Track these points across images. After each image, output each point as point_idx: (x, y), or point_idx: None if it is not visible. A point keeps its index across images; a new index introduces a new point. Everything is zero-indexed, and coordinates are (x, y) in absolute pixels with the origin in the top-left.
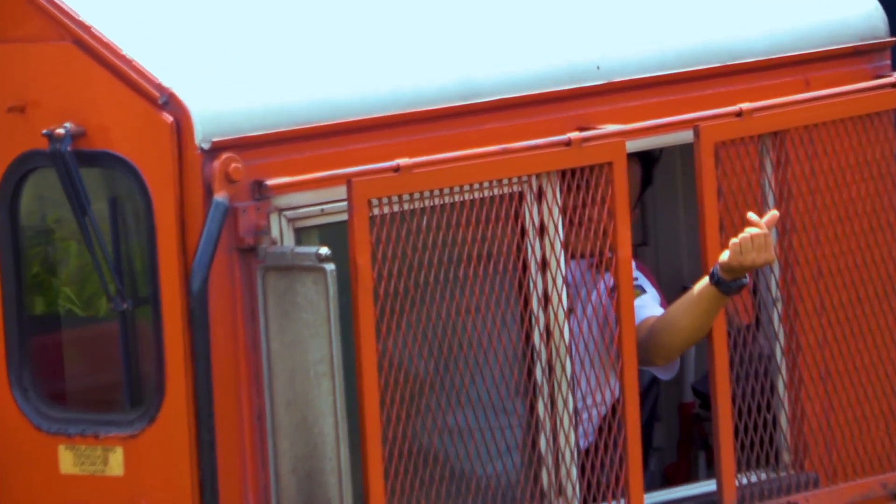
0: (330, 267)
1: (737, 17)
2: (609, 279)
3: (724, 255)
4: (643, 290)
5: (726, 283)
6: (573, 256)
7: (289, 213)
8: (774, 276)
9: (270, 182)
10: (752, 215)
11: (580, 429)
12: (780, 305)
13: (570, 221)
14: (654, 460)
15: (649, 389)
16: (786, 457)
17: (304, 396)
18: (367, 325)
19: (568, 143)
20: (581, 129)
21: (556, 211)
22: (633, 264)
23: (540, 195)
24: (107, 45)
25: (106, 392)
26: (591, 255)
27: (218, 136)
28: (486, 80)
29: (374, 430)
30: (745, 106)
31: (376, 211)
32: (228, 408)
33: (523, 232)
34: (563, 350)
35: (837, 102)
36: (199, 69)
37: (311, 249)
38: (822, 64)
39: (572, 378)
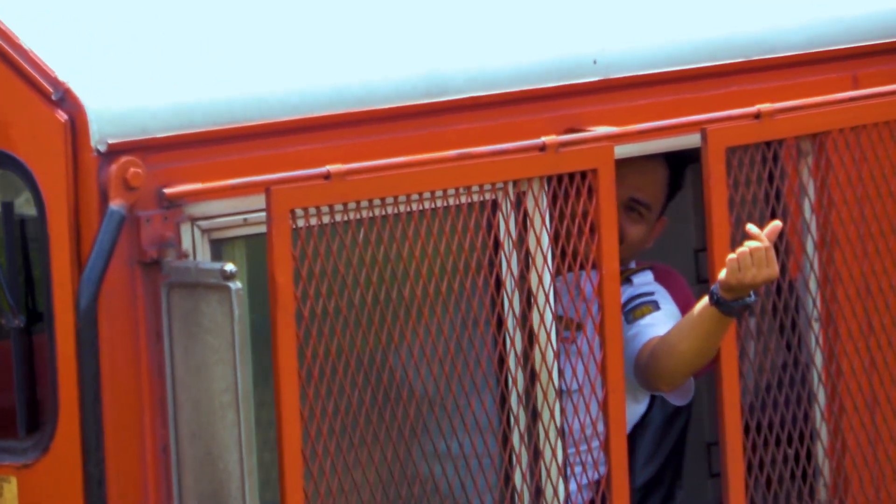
0: (235, 286)
1: (770, 4)
2: (633, 289)
3: (723, 273)
4: (656, 307)
5: (727, 304)
6: (591, 267)
7: (204, 224)
8: (811, 294)
9: (170, 189)
10: (751, 227)
11: (589, 458)
12: (818, 326)
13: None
14: (681, 493)
15: (676, 416)
16: (822, 493)
17: (210, 428)
18: (287, 351)
19: (542, 148)
20: (571, 131)
21: (539, 221)
22: (650, 276)
23: (518, 204)
24: (2, 33)
25: (2, 417)
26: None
27: (117, 136)
28: (457, 76)
29: (294, 466)
30: (764, 107)
31: (302, 223)
32: (129, 438)
33: (497, 245)
34: (550, 388)
35: (883, 103)
36: (102, 63)
37: (216, 265)
38: (874, 59)
39: (577, 402)
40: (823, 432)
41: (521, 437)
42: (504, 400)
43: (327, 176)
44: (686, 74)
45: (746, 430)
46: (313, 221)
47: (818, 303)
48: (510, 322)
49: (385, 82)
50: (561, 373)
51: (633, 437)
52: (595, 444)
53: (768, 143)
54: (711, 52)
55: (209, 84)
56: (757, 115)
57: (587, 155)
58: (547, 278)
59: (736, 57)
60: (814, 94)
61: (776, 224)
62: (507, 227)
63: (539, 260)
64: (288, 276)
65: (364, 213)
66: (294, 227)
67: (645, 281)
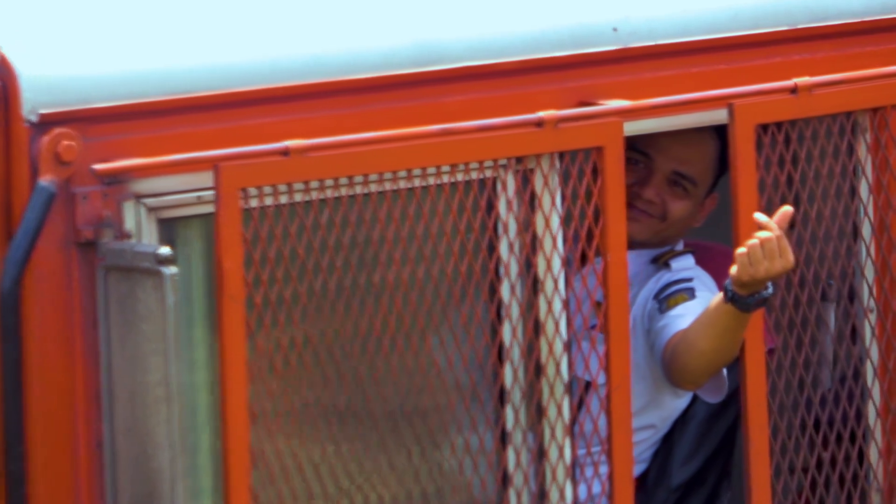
0: (170, 271)
1: None
2: (671, 274)
3: (734, 269)
4: (691, 296)
5: (742, 300)
6: (630, 245)
7: (151, 202)
8: (867, 281)
9: (101, 165)
10: (759, 216)
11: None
12: (873, 316)
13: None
14: (729, 495)
15: (722, 412)
16: (875, 499)
17: (145, 424)
18: (235, 342)
19: (539, 124)
20: (583, 105)
21: (547, 202)
22: (691, 260)
23: (516, 183)
24: None
25: None
26: (657, 245)
27: (52, 106)
28: (453, 44)
29: (240, 468)
30: (802, 80)
31: (256, 202)
32: (61, 433)
33: (483, 229)
34: (558, 385)
35: None
36: (39, 27)
37: (151, 248)
38: None
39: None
40: (878, 432)
41: (524, 435)
42: (503, 396)
43: (286, 152)
44: (721, 44)
45: (817, 425)
46: (269, 201)
47: (874, 291)
48: (513, 310)
49: (369, 50)
50: (587, 364)
51: (672, 433)
52: (637, 438)
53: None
54: (753, 19)
55: (159, 50)
56: (793, 90)
57: (592, 131)
58: (555, 264)
59: (780, 25)
60: (868, 66)
61: (786, 210)
62: (496, 209)
63: (547, 244)
64: (236, 261)
65: (329, 193)
66: (246, 207)
67: (685, 266)
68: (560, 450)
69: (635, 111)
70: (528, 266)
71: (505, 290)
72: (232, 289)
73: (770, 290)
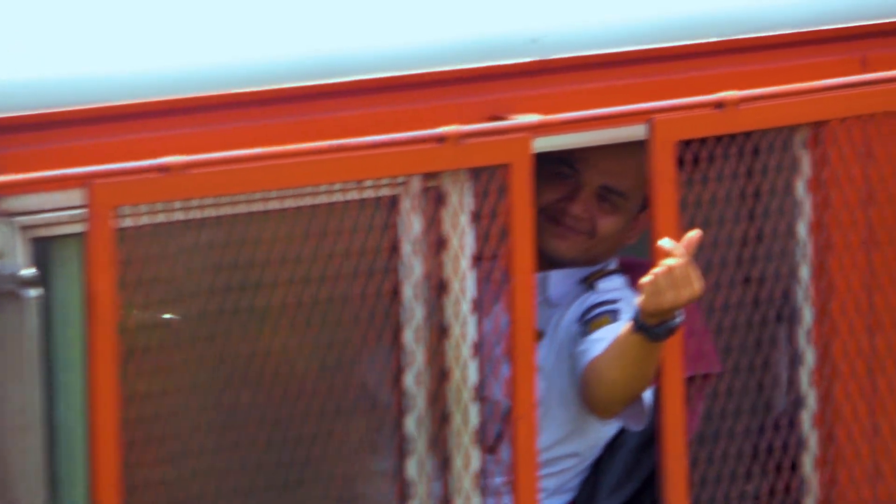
0: (31, 293)
1: None
2: (597, 296)
3: (640, 298)
4: (614, 318)
5: (651, 329)
6: (556, 264)
7: (23, 220)
8: (805, 305)
9: None
10: (665, 242)
11: (551, 483)
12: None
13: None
14: None
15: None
16: None
17: (3, 453)
18: (105, 369)
19: (441, 140)
20: (495, 119)
21: (461, 219)
22: (619, 281)
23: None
24: None
25: None
26: (587, 263)
27: None
28: (354, 54)
29: (110, 498)
30: (728, 95)
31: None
32: None
33: (395, 247)
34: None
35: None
36: None
37: (12, 269)
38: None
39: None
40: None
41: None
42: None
43: (164, 169)
44: (646, 55)
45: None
46: (145, 220)
47: (812, 316)
48: (408, 334)
49: (259, 62)
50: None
51: (601, 461)
52: (560, 466)
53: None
54: (682, 30)
55: (30, 62)
56: (719, 105)
57: (498, 147)
58: (461, 296)
59: (710, 36)
60: (808, 78)
61: (693, 235)
62: (393, 228)
63: (448, 267)
64: (108, 284)
65: (213, 212)
66: (120, 226)
67: (612, 286)
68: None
69: (546, 126)
70: (438, 290)
71: (409, 322)
72: (102, 312)
73: (679, 318)
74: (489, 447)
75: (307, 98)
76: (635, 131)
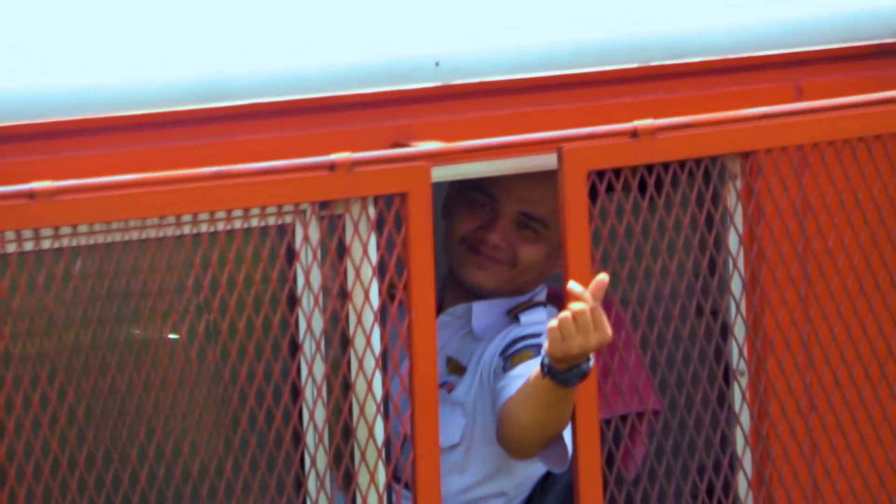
0: None
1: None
2: (520, 329)
3: (547, 343)
4: (536, 353)
5: (560, 374)
6: (479, 295)
7: None
8: (737, 342)
9: None
10: (572, 286)
11: None
12: (744, 380)
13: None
14: None
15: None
16: None
17: None
18: None
19: (331, 167)
20: (397, 146)
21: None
22: (543, 314)
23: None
24: None
25: None
26: (511, 293)
27: None
28: (245, 78)
29: None
30: (643, 124)
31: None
32: None
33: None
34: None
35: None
36: None
37: None
38: (822, 66)
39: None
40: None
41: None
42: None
43: (31, 195)
44: (559, 81)
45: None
46: (12, 248)
47: (744, 353)
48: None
49: (146, 84)
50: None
51: (530, 500)
52: None
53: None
54: (600, 55)
55: None
56: (633, 133)
57: (394, 176)
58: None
59: (631, 62)
60: (733, 106)
61: (601, 279)
62: (280, 259)
63: (357, 296)
64: None
65: (85, 241)
66: None
67: (535, 319)
68: None
69: (446, 154)
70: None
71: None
72: None
73: (590, 363)
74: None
75: (203, 121)
76: (546, 160)
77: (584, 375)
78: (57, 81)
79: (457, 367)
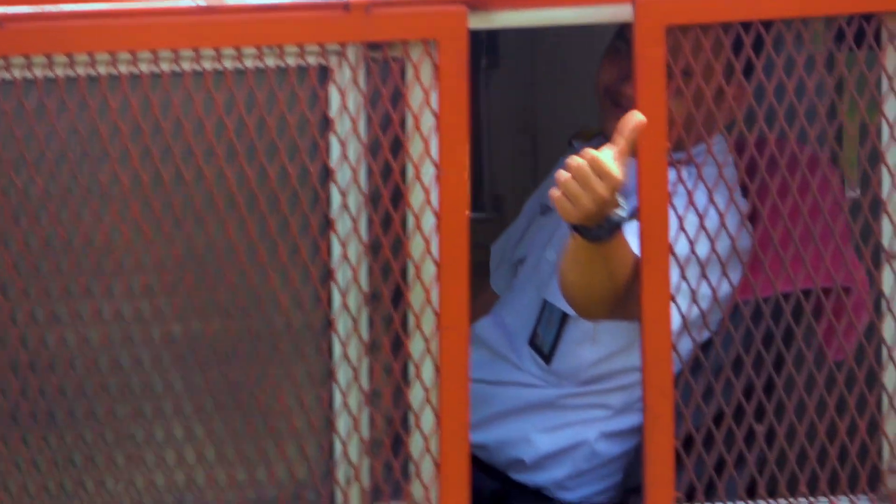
0: None
1: None
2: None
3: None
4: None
5: (589, 232)
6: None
7: None
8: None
9: None
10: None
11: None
12: None
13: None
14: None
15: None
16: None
17: None
18: None
19: (346, 7)
20: None
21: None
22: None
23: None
24: None
25: None
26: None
27: None
28: None
29: None
30: None
31: None
32: None
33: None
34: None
35: None
36: None
37: None
38: None
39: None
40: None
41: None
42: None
43: None
44: None
45: None
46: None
47: None
48: None
49: None
50: None
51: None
52: (621, 381)
53: None
54: None
55: None
56: None
57: (420, 20)
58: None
59: None
60: None
61: (638, 119)
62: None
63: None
64: None
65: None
66: None
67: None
68: None
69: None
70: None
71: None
72: None
73: (622, 211)
74: (545, 356)
75: None
76: (619, 11)
77: (615, 226)
78: None
79: None
